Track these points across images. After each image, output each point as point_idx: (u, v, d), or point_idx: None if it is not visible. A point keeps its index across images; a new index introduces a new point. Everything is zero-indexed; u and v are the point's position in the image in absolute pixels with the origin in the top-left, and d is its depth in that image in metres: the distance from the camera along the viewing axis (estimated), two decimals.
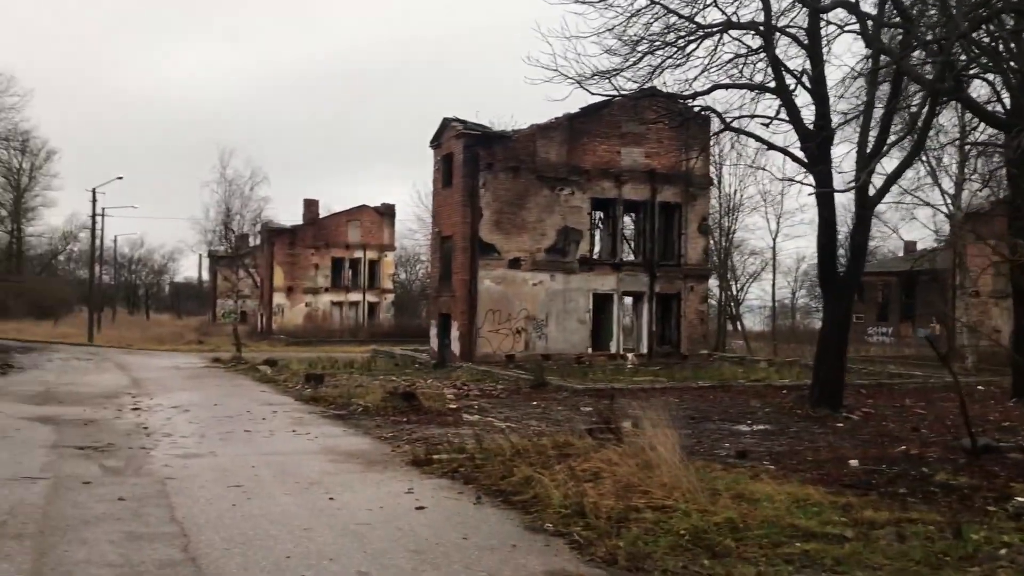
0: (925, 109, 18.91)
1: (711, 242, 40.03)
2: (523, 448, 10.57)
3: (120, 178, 57.74)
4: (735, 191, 47.41)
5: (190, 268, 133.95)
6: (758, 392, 24.52)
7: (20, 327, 61.10)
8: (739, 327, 55.48)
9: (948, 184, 40.17)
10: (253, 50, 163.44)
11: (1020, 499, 9.99)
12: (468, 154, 31.88)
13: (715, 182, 37.60)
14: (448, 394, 21.52)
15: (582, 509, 8.22)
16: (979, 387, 27.98)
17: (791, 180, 19.61)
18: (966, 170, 39.83)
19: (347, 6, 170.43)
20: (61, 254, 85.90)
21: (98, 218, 57.11)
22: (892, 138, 19.59)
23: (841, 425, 18.40)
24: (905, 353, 50.03)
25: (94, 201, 55.51)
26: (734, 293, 53.85)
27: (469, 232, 31.86)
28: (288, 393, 22.21)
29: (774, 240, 50.78)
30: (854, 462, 12.84)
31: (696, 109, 22.49)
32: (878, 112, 19.91)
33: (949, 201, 40.92)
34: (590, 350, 33.23)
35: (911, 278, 68.68)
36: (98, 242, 61.59)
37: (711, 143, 23.01)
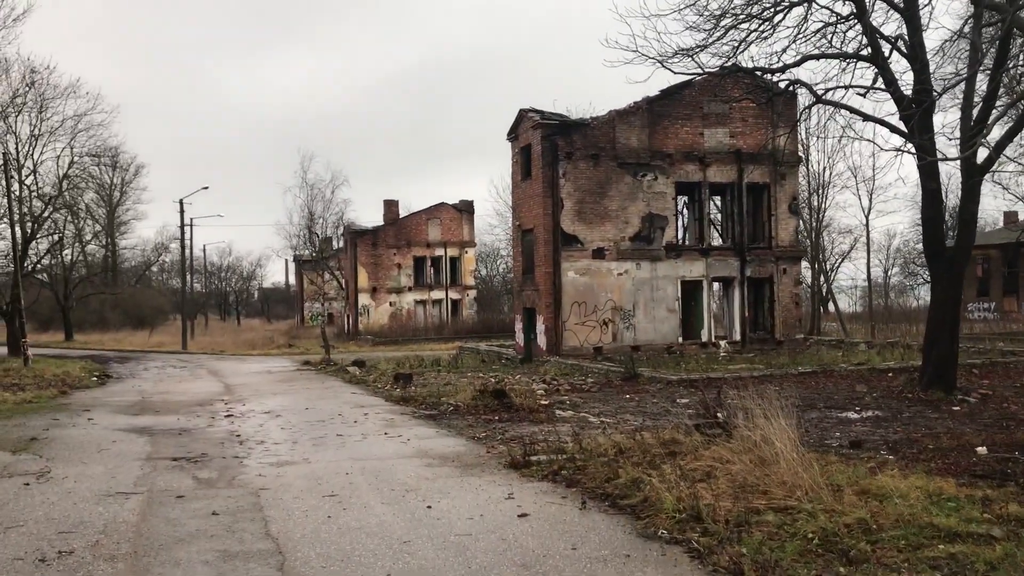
0: None
1: (801, 222, 38.58)
2: (626, 446, 9.99)
3: (206, 188, 58.94)
4: (823, 168, 45.71)
5: (277, 273, 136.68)
6: (862, 376, 23.41)
7: (117, 337, 63.04)
8: (834, 309, 53.56)
9: None
10: (336, 58, 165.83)
11: None
12: (546, 144, 31.32)
13: (804, 159, 36.10)
14: (538, 390, 21.03)
15: (698, 513, 7.60)
16: None
17: (899, 150, 18.38)
18: None
19: (428, 11, 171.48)
20: (154, 265, 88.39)
21: (186, 228, 58.37)
22: (1002, 102, 18.32)
23: (958, 408, 17.34)
24: (1013, 329, 47.64)
25: (182, 212, 56.78)
26: (826, 274, 51.99)
27: (551, 224, 31.31)
28: (378, 394, 22.04)
29: (867, 217, 48.86)
30: (982, 449, 11.90)
31: (784, 84, 21.44)
32: (983, 77, 18.68)
33: None
34: (680, 339, 32.34)
35: (1015, 250, 65.61)
36: (187, 251, 63.06)
37: (801, 118, 21.91)
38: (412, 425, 15.44)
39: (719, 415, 10.77)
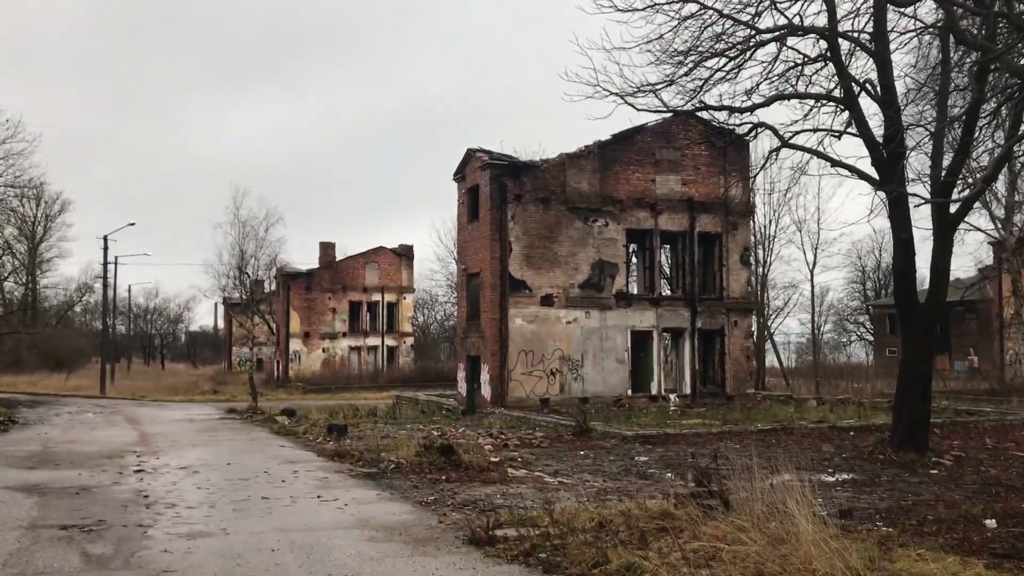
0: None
1: (758, 273, 37.90)
2: (607, 518, 8.46)
3: (132, 224, 55.94)
4: (769, 220, 45.39)
5: (206, 316, 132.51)
6: (824, 435, 22.32)
7: (32, 380, 59.42)
8: (778, 363, 53.06)
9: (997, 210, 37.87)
10: (272, 106, 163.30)
11: None
12: (495, 186, 30.05)
13: (756, 209, 35.51)
14: (485, 445, 19.42)
15: None
16: None
17: (888, 190, 17.42)
18: (1017, 193, 37.78)
19: (389, 59, 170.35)
20: (77, 305, 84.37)
21: (110, 266, 55.51)
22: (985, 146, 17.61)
23: (935, 472, 16.25)
24: (950, 387, 47.56)
25: (105, 249, 53.96)
26: (768, 328, 51.53)
27: (498, 268, 29.92)
28: (309, 447, 20.12)
29: (812, 272, 48.58)
30: (991, 522, 10.66)
31: (747, 127, 20.47)
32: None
33: (999, 226, 38.69)
34: (630, 392, 31.04)
35: (946, 309, 66.25)
36: (111, 291, 59.94)
37: (767, 163, 21.08)
38: (349, 486, 13.63)
39: (711, 483, 9.32)
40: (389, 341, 66.50)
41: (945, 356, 68.88)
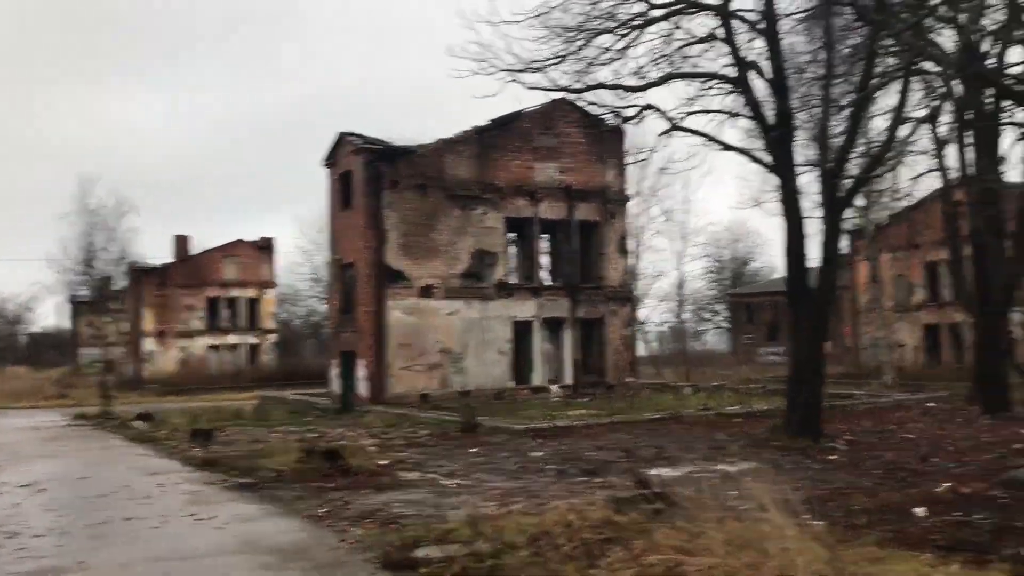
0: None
1: (631, 262, 37.80)
2: (544, 530, 7.43)
3: None
4: (641, 210, 45.58)
5: (50, 316, 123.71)
6: (713, 423, 22.07)
7: None
8: (648, 352, 53.59)
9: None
10: (137, 100, 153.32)
11: None
12: (369, 171, 28.57)
13: (631, 198, 35.35)
14: (369, 446, 18.11)
15: None
16: (929, 404, 26.45)
17: (764, 168, 17.11)
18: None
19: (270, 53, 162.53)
20: None
21: None
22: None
23: (834, 457, 16.08)
24: None
25: None
26: (639, 317, 51.95)
27: (373, 258, 28.47)
28: (174, 456, 18.24)
29: (679, 262, 49.18)
30: (921, 511, 10.26)
31: (636, 109, 19.86)
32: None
33: (859, 213, 39.98)
34: (512, 384, 30.22)
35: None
36: None
37: (656, 147, 20.65)
38: (226, 500, 12.08)
39: (649, 485, 8.44)
40: (251, 339, 63.55)
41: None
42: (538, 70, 18.07)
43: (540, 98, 27.98)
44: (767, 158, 18.47)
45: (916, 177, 26.98)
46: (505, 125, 30.51)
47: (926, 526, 9.50)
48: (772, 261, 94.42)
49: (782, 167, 18.09)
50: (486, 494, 12.53)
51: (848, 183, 18.54)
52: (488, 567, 6.84)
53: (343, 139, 29.92)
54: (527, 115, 30.74)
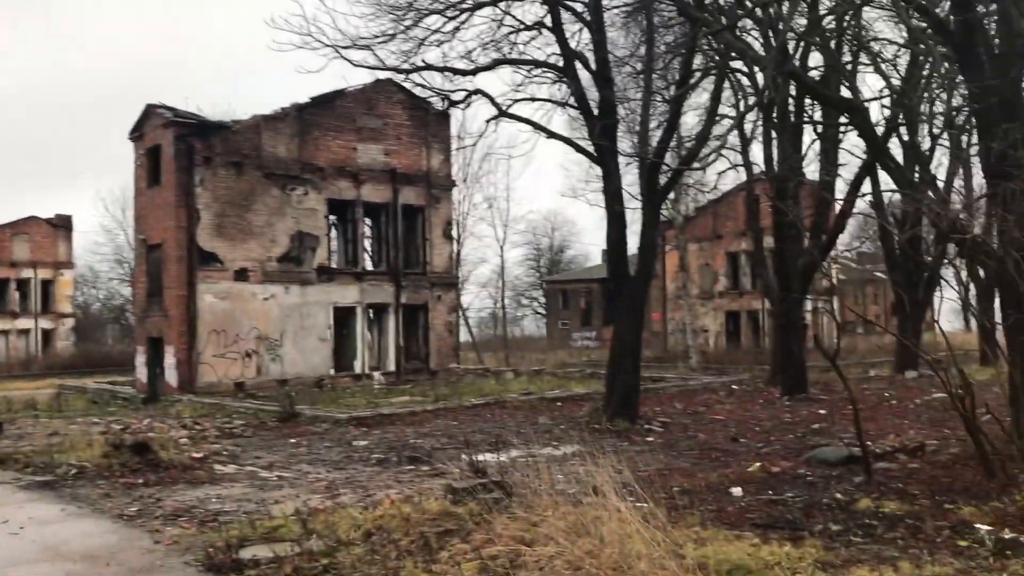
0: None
1: (455, 248, 37.73)
2: (379, 524, 7.15)
3: None
4: (463, 196, 45.66)
5: None
6: (535, 407, 22.40)
7: None
8: (470, 338, 53.95)
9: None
10: None
11: (981, 526, 8.25)
12: (180, 146, 26.96)
13: (456, 183, 35.26)
14: (181, 438, 17.12)
15: None
16: (734, 386, 27.97)
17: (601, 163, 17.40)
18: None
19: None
20: None
21: None
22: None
23: (652, 439, 16.65)
24: None
25: None
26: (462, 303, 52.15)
27: (185, 239, 26.93)
28: None
29: (502, 248, 49.75)
30: (737, 491, 10.71)
31: (464, 94, 19.73)
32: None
33: (669, 206, 41.71)
34: (333, 372, 29.48)
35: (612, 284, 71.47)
36: None
37: (485, 132, 20.64)
38: (22, 501, 10.94)
39: (486, 473, 8.32)
40: (44, 323, 59.08)
41: (611, 327, 74.18)
42: (365, 48, 17.60)
43: (367, 77, 27.40)
44: (591, 148, 18.82)
45: (722, 172, 28.33)
46: (327, 103, 29.63)
47: (743, 505, 9.90)
48: (587, 249, 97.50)
49: (606, 157, 18.46)
50: (310, 486, 12.09)
51: (666, 175, 19.22)
52: (322, 567, 6.48)
53: (151, 111, 28.09)
54: (350, 94, 30.00)
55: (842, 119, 18.29)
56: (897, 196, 31.46)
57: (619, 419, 17.99)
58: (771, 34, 18.07)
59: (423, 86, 19.45)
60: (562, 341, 75.04)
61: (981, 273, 34.47)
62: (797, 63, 18.93)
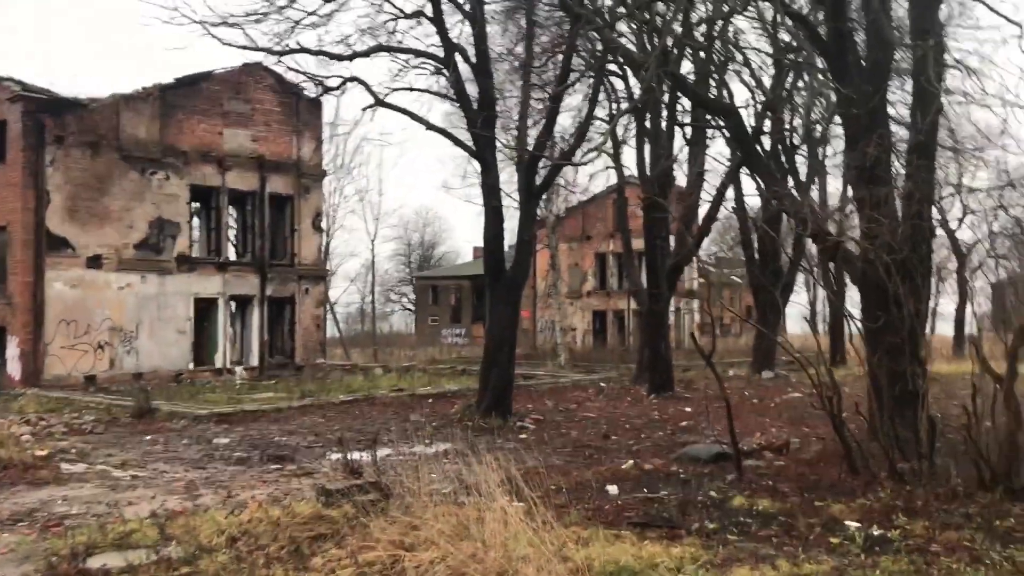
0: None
1: (324, 240, 36.80)
2: (245, 529, 6.67)
3: None
4: (334, 187, 44.64)
5: None
6: (406, 404, 22.00)
7: None
8: (338, 333, 52.90)
9: None
10: None
11: (851, 523, 8.48)
12: (29, 123, 25.14)
13: (327, 173, 34.38)
14: (23, 435, 15.92)
15: None
16: (602, 384, 28.33)
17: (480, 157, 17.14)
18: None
19: None
20: None
21: None
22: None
23: (525, 436, 16.57)
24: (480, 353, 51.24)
25: None
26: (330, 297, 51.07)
27: (32, 222, 25.13)
28: None
29: (373, 242, 48.91)
30: (613, 488, 10.69)
31: (340, 80, 19.13)
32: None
33: (542, 205, 42.00)
34: (192, 366, 28.16)
35: (482, 281, 71.81)
36: None
37: (360, 121, 20.05)
38: None
39: (361, 473, 7.93)
40: None
41: (481, 324, 74.30)
42: (235, 26, 16.80)
43: (238, 60, 26.31)
44: (470, 142, 18.59)
45: (594, 173, 28.67)
46: (192, 85, 28.28)
47: (620, 503, 9.86)
48: (459, 246, 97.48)
49: (484, 152, 18.27)
50: (167, 487, 11.37)
51: (543, 172, 19.20)
52: (182, 575, 5.97)
53: None
54: (218, 77, 28.75)
55: (716, 122, 18.71)
56: (760, 202, 32.70)
57: (493, 416, 17.86)
58: (648, 36, 18.35)
59: (296, 71, 18.76)
60: (431, 338, 74.61)
61: (834, 277, 36.22)
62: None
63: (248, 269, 29.89)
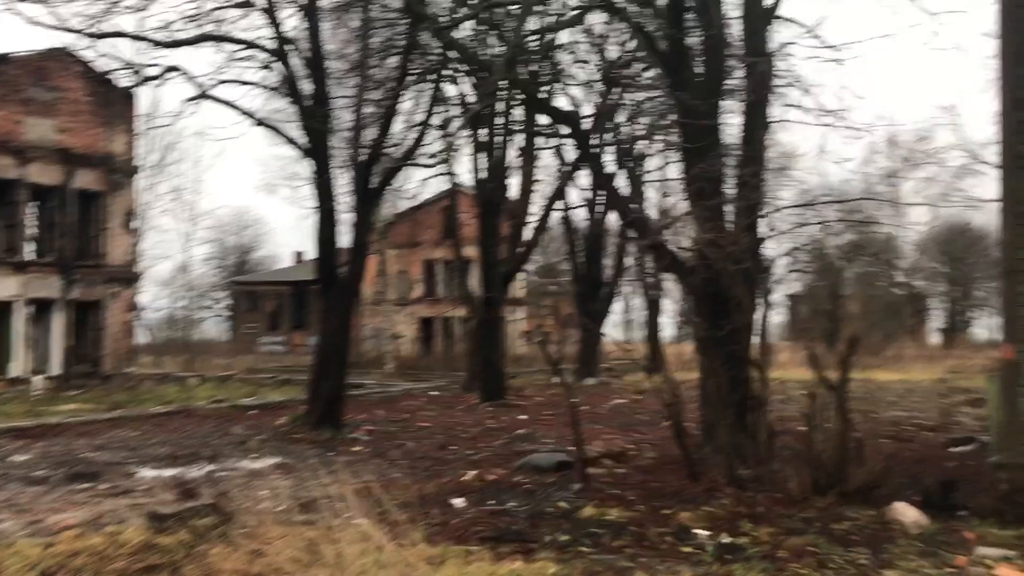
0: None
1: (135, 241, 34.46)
2: (61, 563, 5.85)
3: None
4: (148, 185, 42.06)
5: None
6: (228, 416, 20.86)
7: None
8: (150, 340, 49.89)
9: None
10: None
11: (700, 531, 8.55)
12: None
13: (140, 170, 32.25)
14: None
15: None
16: (433, 392, 28.00)
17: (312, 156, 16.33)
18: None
19: None
20: None
21: None
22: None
23: (359, 449, 15.97)
24: (304, 362, 49.73)
25: None
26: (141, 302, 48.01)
27: None
28: None
29: (187, 245, 46.48)
30: (459, 502, 10.37)
31: (160, 69, 17.84)
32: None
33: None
34: None
35: (302, 287, 70.12)
36: None
37: (182, 113, 18.67)
38: None
39: (195, 495, 7.21)
40: None
41: (301, 332, 72.22)
42: (43, 1, 15.36)
43: (48, 40, 24.17)
44: (303, 141, 17.82)
45: (426, 179, 28.38)
46: None
47: (468, 517, 9.54)
48: (278, 251, 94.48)
49: (318, 152, 17.57)
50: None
51: (379, 175, 18.66)
52: None
53: None
54: (18, 60, 26.39)
55: (557, 131, 18.80)
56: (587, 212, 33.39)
57: (324, 428, 17.17)
58: (487, 41, 18.18)
59: (110, 57, 17.34)
60: (249, 346, 71.77)
61: (657, 288, 37.62)
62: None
63: (50, 270, 27.53)
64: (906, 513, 8.27)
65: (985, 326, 76.29)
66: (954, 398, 24.42)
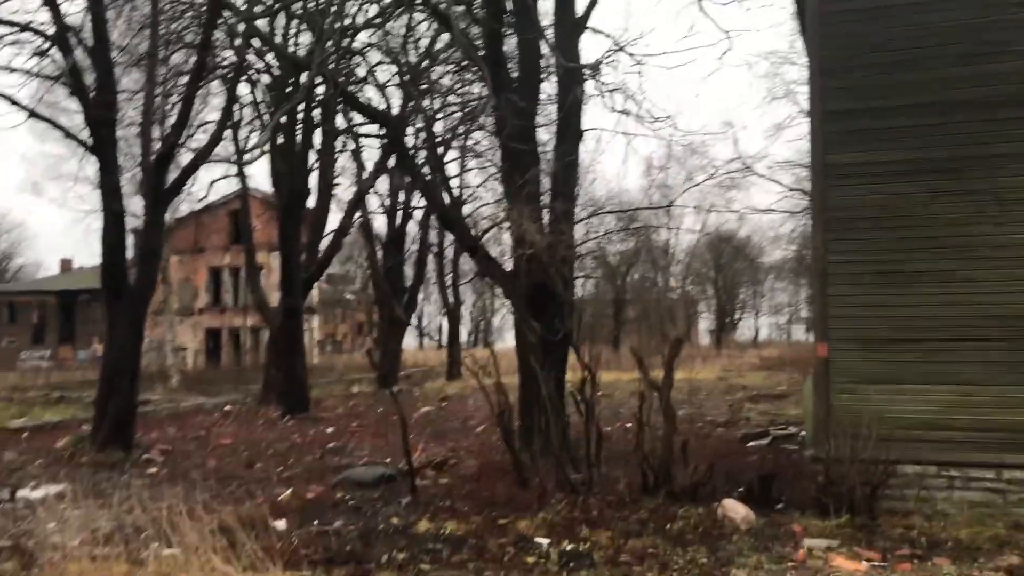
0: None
1: None
2: None
3: None
4: None
5: None
6: None
7: None
8: None
9: None
10: None
11: (540, 540, 8.44)
12: None
13: None
14: None
15: None
16: (227, 407, 26.49)
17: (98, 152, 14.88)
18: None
19: None
20: None
21: None
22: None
23: (155, 471, 14.71)
24: (80, 377, 46.03)
25: None
26: None
27: None
28: None
29: None
30: (281, 524, 9.69)
31: None
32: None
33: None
34: None
35: (72, 298, 65.17)
36: None
37: None
38: None
39: None
40: None
41: (69, 346, 66.88)
42: None
43: None
44: (87, 137, 16.31)
45: (215, 181, 26.96)
46: None
47: (293, 540, 8.92)
48: (42, 258, 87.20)
49: (104, 149, 16.11)
50: None
51: (174, 174, 17.43)
52: None
53: None
54: None
55: (359, 133, 18.29)
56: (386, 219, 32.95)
57: (112, 449, 15.70)
58: (295, 38, 17.46)
59: None
60: (8, 361, 65.52)
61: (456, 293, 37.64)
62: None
63: None
64: (736, 510, 8.51)
65: (750, 327, 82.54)
66: (737, 395, 26.08)
